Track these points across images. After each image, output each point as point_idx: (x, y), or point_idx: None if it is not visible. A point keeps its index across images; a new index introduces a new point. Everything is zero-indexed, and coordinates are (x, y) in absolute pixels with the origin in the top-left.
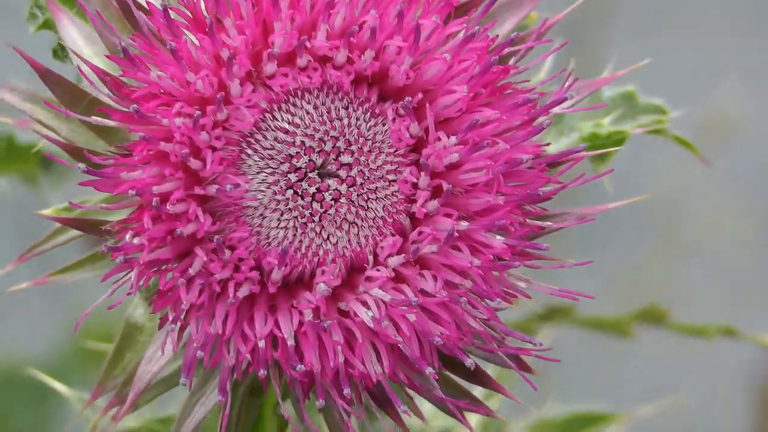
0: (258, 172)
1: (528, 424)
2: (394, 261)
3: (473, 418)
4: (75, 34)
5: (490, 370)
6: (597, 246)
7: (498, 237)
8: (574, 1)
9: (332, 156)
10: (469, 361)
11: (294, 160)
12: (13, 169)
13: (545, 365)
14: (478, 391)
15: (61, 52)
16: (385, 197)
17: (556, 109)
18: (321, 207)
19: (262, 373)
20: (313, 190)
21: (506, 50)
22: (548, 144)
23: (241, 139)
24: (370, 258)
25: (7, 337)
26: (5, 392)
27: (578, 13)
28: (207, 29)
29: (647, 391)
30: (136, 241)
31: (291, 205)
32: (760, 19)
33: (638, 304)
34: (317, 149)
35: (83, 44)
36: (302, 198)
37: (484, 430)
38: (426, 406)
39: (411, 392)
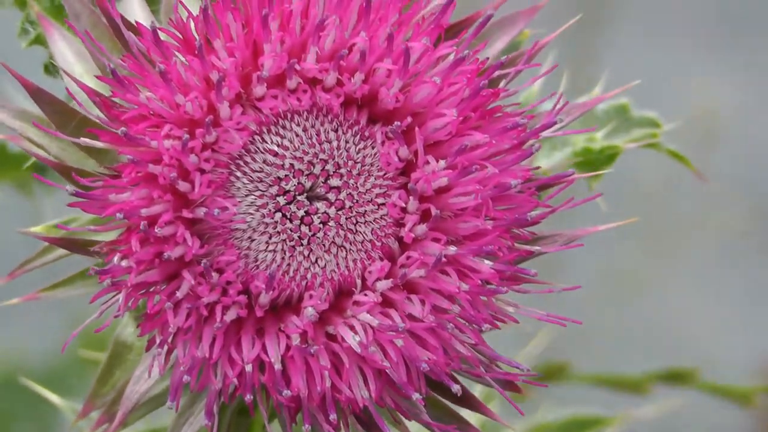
0: (247, 195)
1: (526, 428)
2: (382, 285)
3: (473, 421)
4: (66, 51)
5: (479, 386)
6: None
7: (486, 262)
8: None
9: (321, 179)
10: (456, 387)
11: (283, 183)
12: (6, 178)
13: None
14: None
15: (52, 67)
16: (373, 221)
17: (546, 133)
18: (309, 230)
19: (248, 397)
20: (301, 213)
21: (496, 73)
22: (538, 168)
23: (230, 162)
24: (358, 282)
25: (9, 340)
26: (7, 396)
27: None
28: (196, 51)
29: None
30: (123, 263)
31: (279, 228)
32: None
33: (628, 303)
34: (306, 172)
35: (74, 61)
36: (291, 221)
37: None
38: (416, 424)
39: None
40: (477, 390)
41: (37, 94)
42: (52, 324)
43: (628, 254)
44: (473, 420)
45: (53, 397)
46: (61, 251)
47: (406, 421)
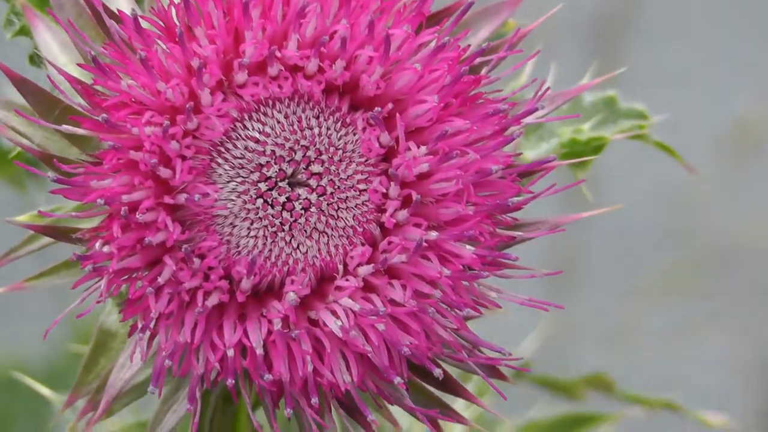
0: (228, 181)
1: (517, 425)
2: (364, 270)
3: (466, 415)
4: (50, 41)
5: (473, 380)
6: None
7: (468, 247)
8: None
9: (303, 165)
10: (437, 371)
11: (264, 170)
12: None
13: (544, 365)
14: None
15: (37, 58)
16: (355, 207)
17: (529, 119)
18: (291, 216)
19: (230, 382)
20: (283, 199)
21: (478, 60)
22: (520, 154)
23: (211, 148)
24: (340, 267)
25: (8, 339)
26: (6, 394)
27: (603, 10)
28: (177, 38)
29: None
30: (105, 249)
31: (261, 214)
32: None
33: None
34: (288, 158)
35: (58, 51)
36: (272, 207)
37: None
38: (408, 417)
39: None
40: (470, 385)
41: (20, 83)
42: (49, 324)
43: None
44: (467, 414)
45: (45, 391)
46: (46, 239)
47: (391, 407)
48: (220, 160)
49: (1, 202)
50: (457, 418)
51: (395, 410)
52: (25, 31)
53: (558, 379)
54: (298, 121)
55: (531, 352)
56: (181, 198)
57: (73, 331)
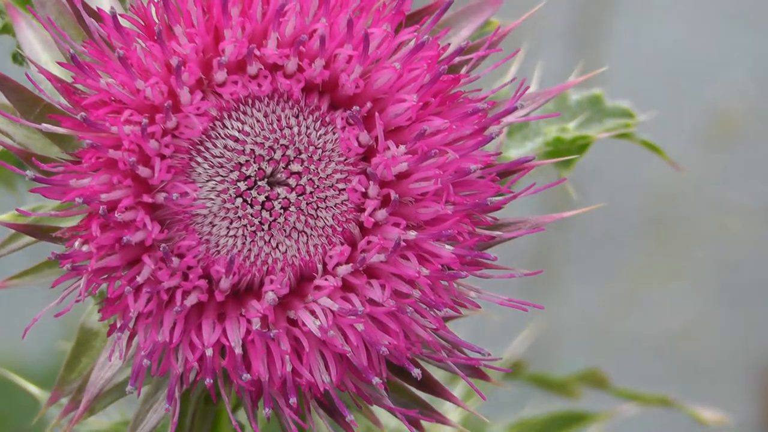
0: (207, 180)
1: (508, 424)
2: (343, 270)
3: (456, 416)
4: (33, 39)
5: (462, 381)
6: (595, 245)
7: (447, 246)
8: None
9: (282, 164)
10: (416, 372)
11: (244, 169)
12: None
13: (534, 359)
14: (458, 391)
15: (20, 56)
16: (334, 206)
17: (509, 118)
18: (270, 215)
19: (208, 381)
20: (262, 198)
21: (457, 59)
22: (500, 153)
23: (190, 147)
24: (319, 267)
25: (7, 338)
26: (5, 393)
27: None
28: (156, 36)
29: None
30: (84, 248)
31: (240, 213)
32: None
33: (636, 303)
34: (267, 157)
35: (40, 49)
36: (252, 206)
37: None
38: (394, 420)
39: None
40: (459, 386)
41: (1, 81)
42: (48, 325)
43: (640, 255)
44: (455, 416)
45: (32, 388)
46: (28, 239)
47: (374, 408)
48: (199, 159)
49: None
50: (439, 418)
51: (384, 411)
52: (8, 30)
53: (551, 376)
54: (277, 120)
55: (521, 352)
56: (160, 197)
57: (69, 330)
